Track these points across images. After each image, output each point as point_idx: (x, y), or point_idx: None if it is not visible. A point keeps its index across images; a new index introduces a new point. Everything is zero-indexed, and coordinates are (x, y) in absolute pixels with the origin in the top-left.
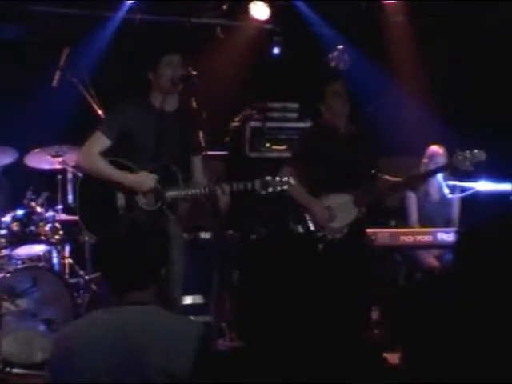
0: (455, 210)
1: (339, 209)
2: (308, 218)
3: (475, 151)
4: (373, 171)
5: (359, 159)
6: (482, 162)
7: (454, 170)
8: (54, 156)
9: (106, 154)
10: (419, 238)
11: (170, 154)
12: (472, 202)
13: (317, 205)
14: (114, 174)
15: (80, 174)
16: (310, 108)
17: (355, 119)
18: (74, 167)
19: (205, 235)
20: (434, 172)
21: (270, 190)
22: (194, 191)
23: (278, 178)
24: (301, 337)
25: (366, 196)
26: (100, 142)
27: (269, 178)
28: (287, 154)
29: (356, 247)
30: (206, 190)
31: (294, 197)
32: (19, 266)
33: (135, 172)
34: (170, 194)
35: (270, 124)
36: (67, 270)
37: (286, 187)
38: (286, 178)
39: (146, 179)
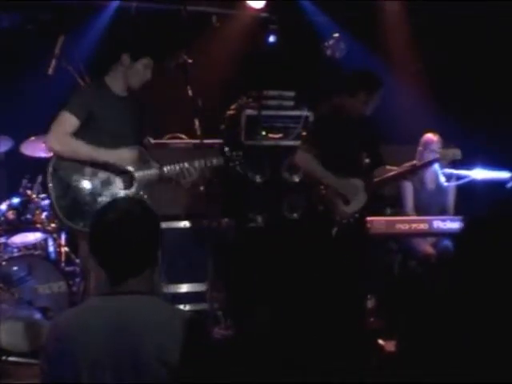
0: (451, 198)
1: (354, 193)
2: (329, 197)
3: (453, 150)
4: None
5: (368, 145)
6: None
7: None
8: None
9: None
10: (415, 225)
11: (134, 138)
12: (468, 190)
13: (340, 181)
14: (94, 151)
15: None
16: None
17: None
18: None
19: (199, 223)
20: (425, 165)
21: (231, 164)
22: (168, 169)
23: (234, 153)
24: (298, 325)
25: (375, 183)
26: (69, 122)
27: (226, 149)
28: (283, 142)
29: (360, 233)
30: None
31: (313, 176)
32: (15, 254)
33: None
34: (144, 173)
35: (265, 112)
36: (63, 258)
37: (242, 161)
38: (235, 153)
39: (127, 154)
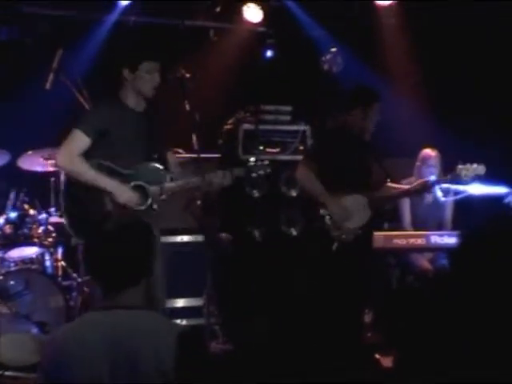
0: (448, 213)
1: (355, 210)
2: (325, 214)
3: (476, 166)
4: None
5: (371, 161)
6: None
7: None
8: (46, 158)
9: (88, 156)
10: (413, 240)
11: (148, 152)
12: (465, 205)
13: (335, 203)
14: (96, 178)
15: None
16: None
17: None
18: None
19: (198, 238)
20: (437, 182)
21: (254, 175)
22: (183, 182)
23: (259, 163)
24: (295, 338)
25: (380, 199)
26: (79, 140)
27: (252, 159)
28: (281, 157)
29: (364, 249)
30: (198, 179)
31: (310, 193)
32: (12, 269)
33: (121, 177)
34: (157, 187)
35: (263, 126)
36: (60, 273)
37: (268, 170)
38: (263, 162)
39: (125, 192)
